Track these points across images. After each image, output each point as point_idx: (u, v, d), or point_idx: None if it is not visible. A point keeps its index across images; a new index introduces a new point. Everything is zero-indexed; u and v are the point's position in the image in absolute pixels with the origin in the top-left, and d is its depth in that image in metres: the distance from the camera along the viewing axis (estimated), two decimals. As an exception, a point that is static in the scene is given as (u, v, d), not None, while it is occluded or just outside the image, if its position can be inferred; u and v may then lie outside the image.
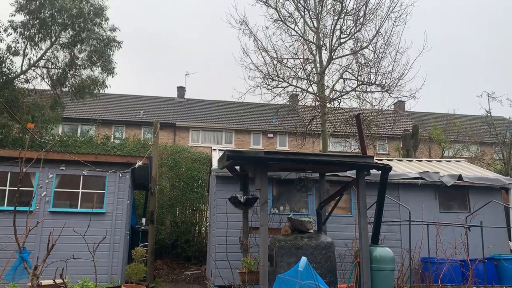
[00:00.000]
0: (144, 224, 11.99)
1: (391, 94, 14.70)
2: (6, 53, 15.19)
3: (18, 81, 15.72)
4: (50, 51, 16.10)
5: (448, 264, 8.50)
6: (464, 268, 8.73)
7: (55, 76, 16.27)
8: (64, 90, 16.74)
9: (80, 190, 9.26)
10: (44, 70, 16.37)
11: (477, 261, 8.44)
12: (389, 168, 7.22)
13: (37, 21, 15.12)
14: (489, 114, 18.60)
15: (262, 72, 14.75)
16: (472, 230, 8.73)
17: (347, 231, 9.39)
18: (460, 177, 10.08)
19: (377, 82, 14.52)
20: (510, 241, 10.48)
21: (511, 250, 10.27)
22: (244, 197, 7.98)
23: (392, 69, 14.37)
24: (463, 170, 11.21)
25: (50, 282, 6.33)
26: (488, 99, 18.39)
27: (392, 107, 21.03)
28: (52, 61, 16.26)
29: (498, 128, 19.19)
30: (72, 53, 16.12)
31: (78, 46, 16.05)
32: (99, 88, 16.69)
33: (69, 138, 16.02)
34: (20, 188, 5.41)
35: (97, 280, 7.20)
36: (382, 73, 14.47)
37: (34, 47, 15.68)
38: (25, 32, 15.29)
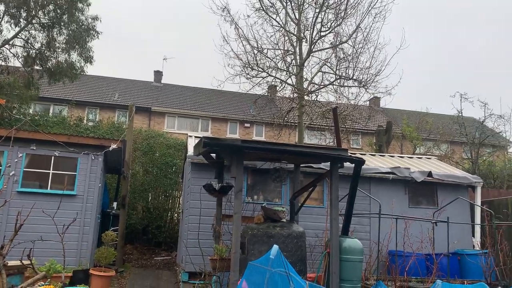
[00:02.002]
0: (115, 208, 11.86)
1: (367, 90, 14.90)
2: None
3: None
4: (27, 29, 15.62)
5: (414, 258, 8.75)
6: (429, 261, 9.00)
7: (30, 56, 15.82)
8: (39, 71, 16.32)
9: (51, 171, 9.06)
10: (19, 49, 15.90)
11: (441, 256, 8.71)
12: (362, 161, 7.34)
13: None
14: (460, 114, 19.08)
15: (241, 60, 14.70)
16: (439, 226, 8.99)
17: (318, 221, 9.53)
18: (430, 174, 10.34)
19: (354, 77, 14.68)
20: (474, 237, 10.86)
21: (473, 246, 10.66)
22: (219, 184, 7.97)
23: (370, 65, 14.54)
24: (433, 167, 11.50)
25: (17, 262, 6.20)
26: (461, 100, 18.83)
27: (368, 103, 21.37)
28: (29, 41, 15.79)
29: (468, 129, 19.73)
30: (51, 35, 15.70)
31: (57, 29, 15.65)
32: (77, 74, 16.37)
33: (41, 118, 15.62)
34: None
35: (65, 262, 7.11)
36: (360, 68, 14.63)
37: (11, 24, 15.21)
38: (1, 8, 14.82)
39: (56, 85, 17.62)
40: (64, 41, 15.83)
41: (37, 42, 15.92)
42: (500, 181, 18.43)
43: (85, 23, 15.94)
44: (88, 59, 16.24)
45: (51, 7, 15.32)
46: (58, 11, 15.27)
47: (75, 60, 16.16)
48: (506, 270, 8.40)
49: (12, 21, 15.11)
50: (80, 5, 15.66)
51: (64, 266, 7.13)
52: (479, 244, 10.73)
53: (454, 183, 10.67)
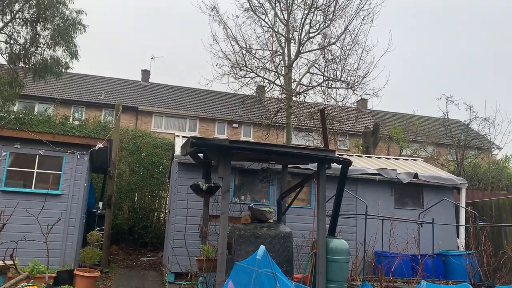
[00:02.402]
0: (101, 208, 11.73)
1: (355, 92, 15.00)
2: None
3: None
4: (11, 25, 15.34)
5: (399, 258, 8.81)
6: (414, 262, 9.08)
7: (14, 52, 15.54)
8: (24, 67, 16.03)
9: (35, 170, 8.92)
10: (3, 45, 15.62)
11: (426, 256, 8.80)
12: (349, 162, 7.37)
13: None
14: (446, 117, 19.30)
15: (230, 60, 14.69)
16: (424, 227, 9.07)
17: (305, 222, 9.55)
18: (416, 175, 10.44)
19: (342, 79, 14.77)
20: (458, 238, 10.99)
21: (458, 246, 10.79)
22: (206, 185, 7.93)
23: (358, 66, 14.64)
24: (419, 168, 11.62)
25: (0, 263, 6.09)
26: (446, 102, 19.04)
27: (355, 104, 21.52)
28: (13, 36, 15.51)
29: (454, 131, 19.95)
30: (35, 30, 15.42)
31: (41, 24, 15.37)
32: (62, 70, 16.14)
33: (26, 116, 15.37)
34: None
35: (49, 263, 7.01)
36: (347, 70, 14.73)
37: None
38: None
39: (41, 83, 17.32)
40: (49, 36, 15.57)
41: (21, 37, 15.66)
42: (484, 183, 18.72)
43: (70, 17, 15.70)
44: (74, 54, 16.00)
45: (33, 1, 15.03)
46: (42, 5, 14.98)
47: (61, 56, 15.95)
48: (490, 271, 8.51)
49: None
50: None
51: (48, 267, 7.02)
52: (464, 245, 10.86)
53: (440, 185, 10.79)
